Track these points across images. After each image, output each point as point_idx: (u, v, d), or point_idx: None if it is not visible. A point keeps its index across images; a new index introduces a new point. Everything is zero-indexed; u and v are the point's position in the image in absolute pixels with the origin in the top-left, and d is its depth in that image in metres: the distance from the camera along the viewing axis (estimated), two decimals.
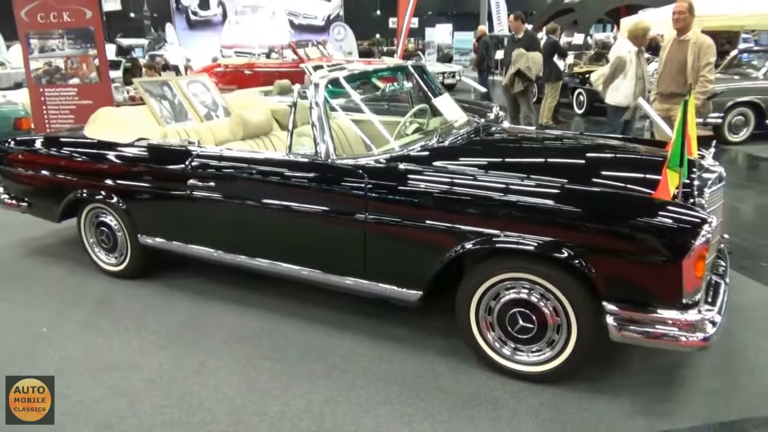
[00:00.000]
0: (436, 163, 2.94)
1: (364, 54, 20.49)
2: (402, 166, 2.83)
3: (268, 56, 16.56)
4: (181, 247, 3.51)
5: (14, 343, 3.13)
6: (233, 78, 10.76)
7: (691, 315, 2.30)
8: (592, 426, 2.41)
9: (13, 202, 4.26)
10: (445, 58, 26.95)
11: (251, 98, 4.98)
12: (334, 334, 3.11)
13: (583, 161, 3.19)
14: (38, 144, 4.11)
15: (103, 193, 3.68)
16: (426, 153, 3.07)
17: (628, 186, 2.62)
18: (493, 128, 3.72)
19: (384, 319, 3.22)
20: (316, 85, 3.03)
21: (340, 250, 2.94)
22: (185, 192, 3.32)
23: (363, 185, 2.79)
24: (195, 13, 20.35)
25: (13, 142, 4.32)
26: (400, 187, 2.75)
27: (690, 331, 2.30)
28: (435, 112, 3.69)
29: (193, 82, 4.56)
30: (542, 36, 11.57)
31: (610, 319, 2.39)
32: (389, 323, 3.19)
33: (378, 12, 37.78)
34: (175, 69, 11.36)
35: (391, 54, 26.99)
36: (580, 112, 11.59)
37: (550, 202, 2.49)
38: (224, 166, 3.24)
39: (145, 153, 3.52)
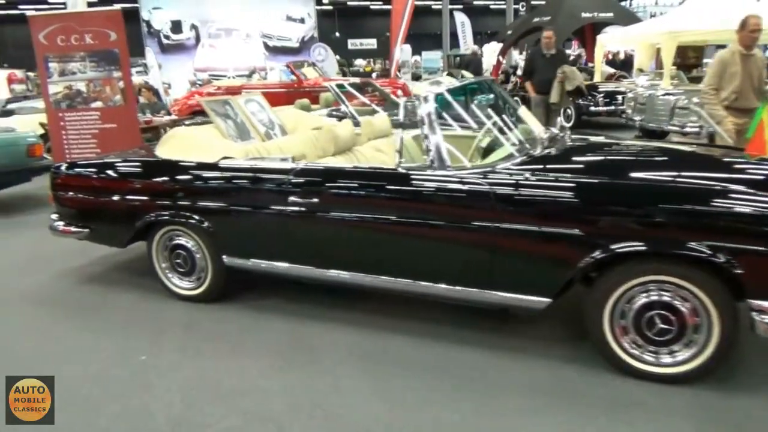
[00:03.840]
0: (560, 170, 2.96)
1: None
2: (528, 174, 2.85)
3: (249, 77, 16.44)
4: (270, 266, 3.42)
5: (122, 374, 2.99)
6: None
7: None
8: (740, 421, 2.45)
9: (72, 228, 4.07)
10: (413, 77, 27.41)
11: (297, 115, 4.93)
12: (455, 348, 3.07)
13: (698, 166, 3.23)
14: (102, 167, 3.96)
15: (185, 214, 3.57)
16: (545, 160, 3.09)
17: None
18: (573, 137, 3.77)
19: (493, 331, 3.22)
20: (426, 98, 3.04)
21: (464, 261, 2.93)
22: (283, 209, 3.26)
23: (490, 194, 2.80)
24: (167, 37, 19.99)
25: (66, 167, 4.16)
26: (530, 195, 2.77)
27: None
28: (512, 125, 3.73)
29: (250, 101, 4.49)
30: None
31: (758, 316, 2.46)
32: (500, 334, 3.19)
33: (337, 34, 38.23)
34: (156, 93, 11.15)
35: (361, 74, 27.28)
36: (569, 125, 11.90)
37: (697, 206, 2.55)
38: (331, 181, 3.20)
39: (238, 172, 3.44)
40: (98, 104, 6.03)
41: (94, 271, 4.46)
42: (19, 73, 25.47)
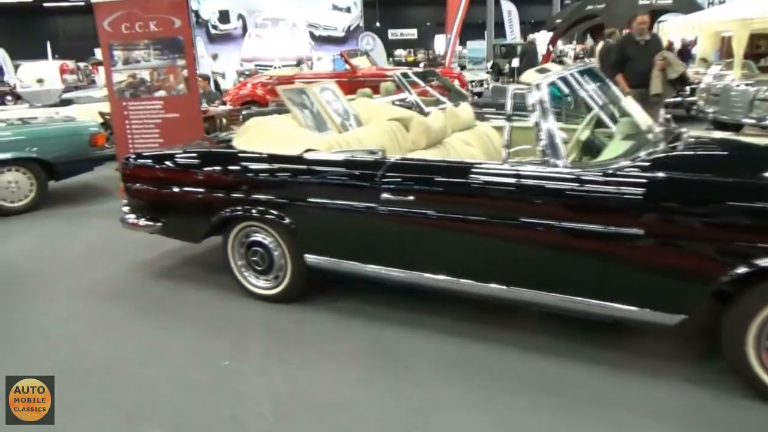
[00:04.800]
0: (692, 170, 2.62)
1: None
2: (661, 173, 2.53)
3: (298, 66, 16.33)
4: (359, 268, 3.20)
5: (207, 379, 2.81)
6: None
7: None
8: None
9: (143, 222, 3.93)
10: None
11: (369, 105, 4.68)
12: (565, 363, 2.79)
13: None
14: (176, 159, 3.81)
15: (264, 209, 3.37)
16: (673, 159, 2.77)
17: None
18: (690, 132, 3.43)
19: (603, 344, 2.92)
20: (538, 86, 2.75)
21: (582, 269, 2.64)
22: (374, 207, 3.02)
23: (614, 196, 2.50)
24: (215, 27, 20.10)
25: (138, 157, 4.03)
26: (663, 198, 2.46)
27: None
28: (618, 116, 3.40)
29: (325, 89, 4.27)
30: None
31: None
32: (614, 349, 2.89)
33: (378, 24, 37.80)
34: (215, 83, 11.10)
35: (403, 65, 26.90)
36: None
37: None
38: (428, 177, 2.95)
39: (324, 165, 3.22)
40: (162, 93, 5.91)
41: (164, 265, 4.33)
42: (70, 64, 26.07)
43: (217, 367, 2.92)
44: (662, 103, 6.92)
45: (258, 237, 3.53)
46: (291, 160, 3.31)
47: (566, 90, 3.08)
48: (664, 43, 14.03)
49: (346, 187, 3.15)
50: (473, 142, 3.82)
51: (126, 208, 4.07)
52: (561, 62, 22.09)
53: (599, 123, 3.21)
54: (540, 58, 19.59)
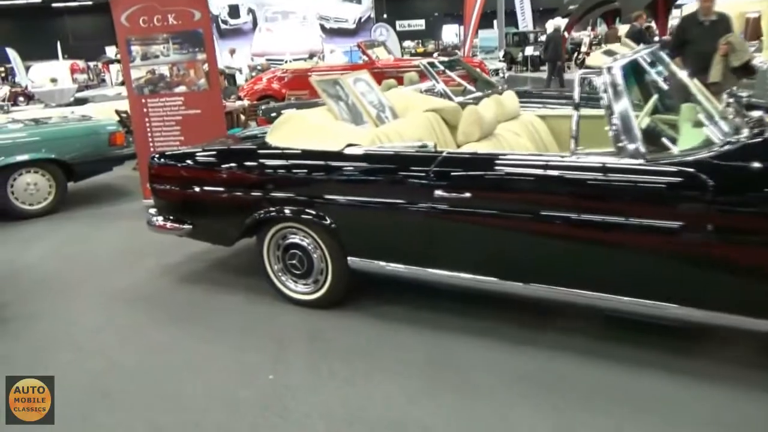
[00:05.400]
0: None
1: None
2: (757, 164, 2.27)
3: (311, 59, 16.08)
4: (412, 272, 2.96)
5: (251, 396, 2.59)
6: (300, 83, 10.20)
7: None
8: None
9: (172, 224, 3.72)
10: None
11: (403, 96, 4.43)
12: (632, 371, 2.55)
13: None
14: (206, 157, 3.59)
15: (302, 209, 3.15)
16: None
17: None
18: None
19: (677, 352, 2.67)
20: (609, 69, 2.49)
21: (667, 271, 2.39)
22: (425, 206, 2.79)
23: (703, 190, 2.24)
24: (225, 22, 19.86)
25: (162, 157, 3.81)
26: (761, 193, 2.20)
27: None
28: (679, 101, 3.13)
29: (359, 80, 4.02)
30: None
31: None
32: (687, 357, 2.64)
33: (385, 15, 37.42)
34: (231, 78, 10.89)
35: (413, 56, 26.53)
36: None
37: None
38: (487, 172, 2.71)
39: (368, 161, 2.99)
40: (182, 89, 5.70)
41: (193, 269, 4.13)
42: (80, 63, 25.99)
43: (260, 381, 2.71)
44: (721, 92, 6.25)
45: (295, 239, 3.31)
46: (332, 156, 3.07)
47: (636, 73, 2.81)
48: None
49: (394, 184, 2.91)
50: (521, 133, 3.56)
51: (152, 210, 3.86)
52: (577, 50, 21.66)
53: (655, 109, 2.95)
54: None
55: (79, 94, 11.33)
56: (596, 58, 2.65)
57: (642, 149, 2.38)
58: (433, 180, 2.76)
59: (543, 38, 26.13)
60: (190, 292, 3.77)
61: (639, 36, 9.04)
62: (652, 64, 3.00)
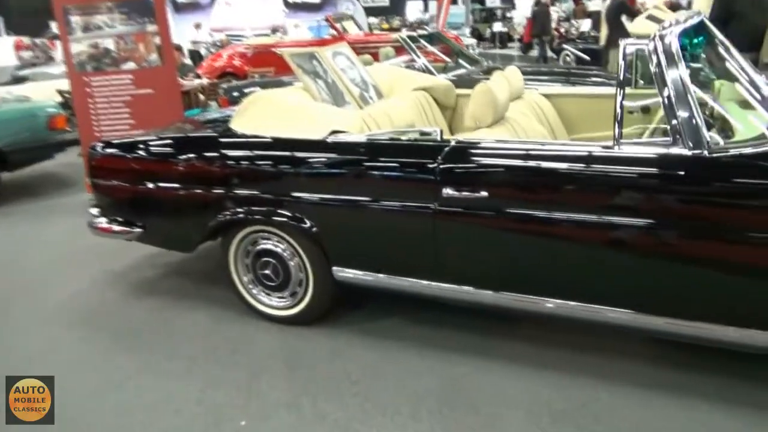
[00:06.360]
0: None
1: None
2: None
3: (273, 35, 15.28)
4: (410, 284, 2.45)
5: None
6: (264, 59, 9.46)
7: None
8: None
9: (118, 227, 3.12)
10: None
11: (388, 72, 3.87)
12: (687, 407, 2.11)
13: None
14: (160, 147, 2.99)
15: (275, 210, 2.60)
16: None
17: None
18: None
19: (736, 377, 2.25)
20: (662, 37, 2.00)
21: (726, 288, 1.94)
22: (431, 205, 2.27)
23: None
24: None
25: (105, 147, 3.19)
26: None
27: None
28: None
29: (338, 54, 3.45)
30: None
31: None
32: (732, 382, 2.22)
33: None
34: (191, 53, 10.10)
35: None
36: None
37: None
38: (507, 164, 2.20)
39: (361, 152, 2.45)
40: (131, 65, 5.00)
41: (144, 277, 3.53)
42: (26, 40, 24.35)
43: (230, 429, 2.17)
44: None
45: (268, 245, 2.76)
46: (313, 146, 2.52)
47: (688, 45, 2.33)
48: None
49: (391, 180, 2.38)
50: (531, 115, 3.07)
51: (94, 210, 3.24)
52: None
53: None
54: (523, 22, 18.66)
55: (22, 72, 10.35)
56: (641, 25, 2.14)
57: (707, 138, 1.90)
58: (439, 176, 2.24)
59: (510, 15, 25.66)
60: (141, 308, 3.18)
61: (621, 9, 8.57)
62: (701, 36, 2.52)
